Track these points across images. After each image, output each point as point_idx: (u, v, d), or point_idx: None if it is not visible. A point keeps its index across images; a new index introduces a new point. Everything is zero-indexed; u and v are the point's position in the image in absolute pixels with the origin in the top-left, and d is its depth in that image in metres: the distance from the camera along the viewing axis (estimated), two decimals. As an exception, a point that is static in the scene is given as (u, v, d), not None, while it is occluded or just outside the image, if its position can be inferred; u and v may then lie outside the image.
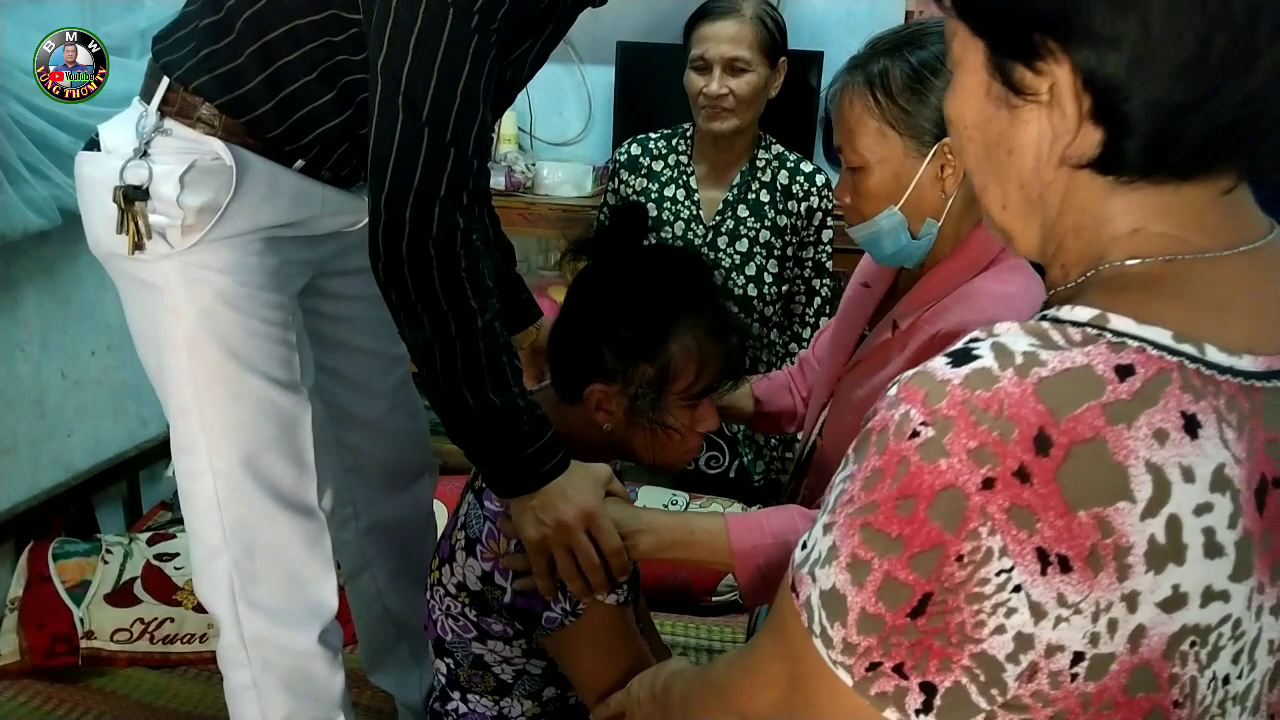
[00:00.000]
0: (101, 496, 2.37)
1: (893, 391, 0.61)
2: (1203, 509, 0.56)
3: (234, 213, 1.27)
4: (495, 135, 2.67)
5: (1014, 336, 0.60)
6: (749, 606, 1.48)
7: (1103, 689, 0.57)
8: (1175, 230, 0.62)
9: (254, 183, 1.28)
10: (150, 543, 2.17)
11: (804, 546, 0.65)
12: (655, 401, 1.18)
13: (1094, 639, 0.56)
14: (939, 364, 0.60)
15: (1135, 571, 0.55)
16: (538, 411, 1.16)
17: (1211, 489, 0.57)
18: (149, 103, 1.28)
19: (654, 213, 2.24)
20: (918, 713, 0.59)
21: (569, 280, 1.27)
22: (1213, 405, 0.57)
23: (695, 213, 2.23)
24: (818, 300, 2.27)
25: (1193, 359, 0.58)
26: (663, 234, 2.22)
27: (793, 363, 1.62)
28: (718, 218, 2.23)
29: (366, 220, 1.17)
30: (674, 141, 2.29)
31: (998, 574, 0.56)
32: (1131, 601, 0.56)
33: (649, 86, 2.73)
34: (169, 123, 1.27)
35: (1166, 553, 0.56)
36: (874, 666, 0.60)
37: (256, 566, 1.37)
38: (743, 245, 2.21)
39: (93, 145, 1.32)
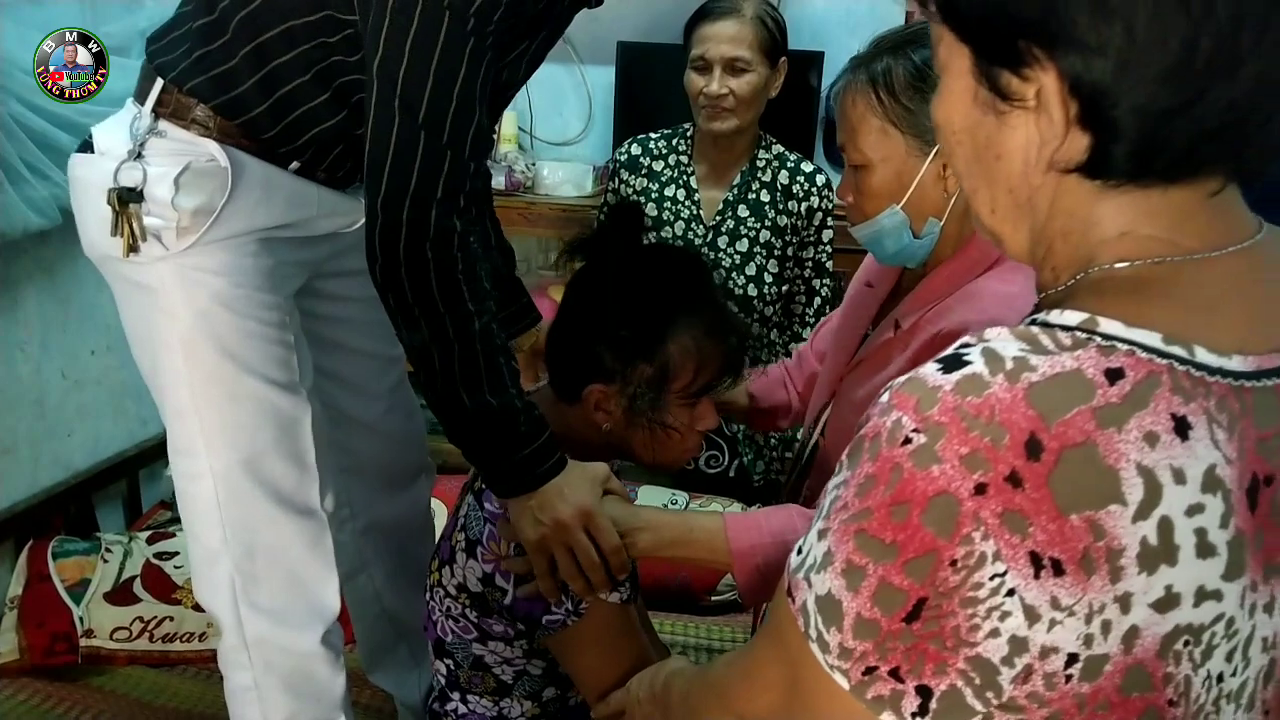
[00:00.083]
0: (101, 495, 2.37)
1: (885, 398, 0.61)
2: (1194, 510, 0.57)
3: (229, 214, 1.27)
4: (496, 135, 2.67)
5: (1004, 342, 0.60)
6: (747, 606, 1.48)
7: (1097, 689, 0.57)
8: (1163, 233, 0.62)
9: (249, 184, 1.28)
10: (150, 541, 2.18)
11: (799, 552, 0.65)
12: (654, 401, 1.18)
13: (1088, 640, 0.56)
14: (930, 370, 0.60)
15: (1128, 573, 0.56)
16: (535, 412, 1.16)
17: (1203, 490, 0.57)
18: (143, 104, 1.27)
19: (654, 213, 2.24)
20: (914, 716, 0.59)
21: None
22: (1203, 406, 0.58)
23: (695, 213, 2.23)
24: (818, 300, 2.27)
25: (1182, 361, 0.58)
26: (663, 234, 2.22)
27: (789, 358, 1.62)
28: (718, 218, 2.22)
29: (363, 222, 1.17)
30: (674, 141, 2.29)
31: (991, 578, 0.56)
32: (1125, 603, 0.56)
33: (649, 86, 2.73)
34: (163, 124, 1.26)
35: (1159, 554, 0.56)
36: (870, 671, 0.60)
37: (258, 568, 1.37)
38: (743, 245, 2.21)
39: (86, 147, 1.31)
